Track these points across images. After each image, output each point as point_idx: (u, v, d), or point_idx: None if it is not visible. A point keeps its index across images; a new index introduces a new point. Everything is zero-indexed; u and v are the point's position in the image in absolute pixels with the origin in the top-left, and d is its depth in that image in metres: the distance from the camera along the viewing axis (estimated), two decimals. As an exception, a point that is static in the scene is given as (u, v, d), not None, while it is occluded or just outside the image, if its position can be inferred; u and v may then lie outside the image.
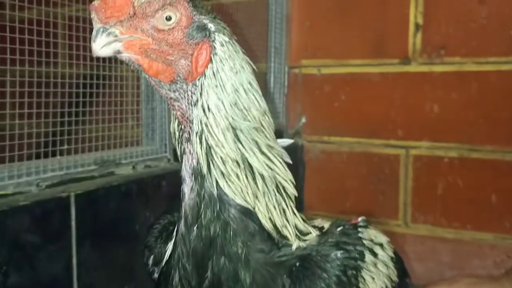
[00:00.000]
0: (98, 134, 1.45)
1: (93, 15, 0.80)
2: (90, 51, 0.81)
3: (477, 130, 2.14)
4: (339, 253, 0.88)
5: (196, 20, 0.84)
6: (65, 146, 1.31)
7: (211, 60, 0.84)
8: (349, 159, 2.42)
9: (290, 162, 0.91)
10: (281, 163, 0.89)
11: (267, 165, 0.87)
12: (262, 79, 2.43)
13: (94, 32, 0.80)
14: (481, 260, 2.16)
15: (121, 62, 0.86)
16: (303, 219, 0.94)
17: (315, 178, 2.48)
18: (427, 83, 2.22)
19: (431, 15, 2.21)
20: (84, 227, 1.27)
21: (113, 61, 1.52)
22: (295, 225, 0.90)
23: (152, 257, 1.04)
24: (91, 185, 1.33)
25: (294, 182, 0.91)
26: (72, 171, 1.32)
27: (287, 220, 0.88)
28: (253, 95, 0.86)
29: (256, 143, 0.86)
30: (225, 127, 0.83)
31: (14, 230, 1.13)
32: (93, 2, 0.80)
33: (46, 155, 1.29)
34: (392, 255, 0.99)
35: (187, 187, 0.87)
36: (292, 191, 0.90)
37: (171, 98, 0.87)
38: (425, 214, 2.25)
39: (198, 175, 0.85)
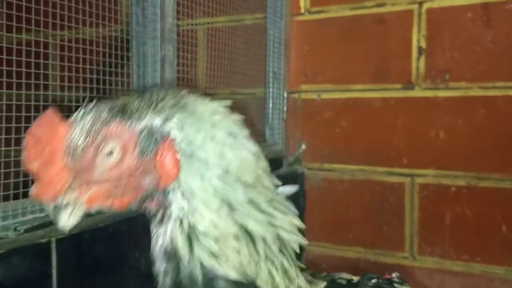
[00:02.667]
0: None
1: (39, 201, 0.74)
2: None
3: (485, 157, 2.05)
4: None
5: (140, 129, 0.74)
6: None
7: (179, 151, 0.74)
8: (352, 188, 2.32)
9: (296, 212, 0.82)
10: (283, 212, 0.80)
11: (268, 223, 0.77)
12: (260, 104, 2.35)
13: (51, 215, 0.73)
14: (493, 294, 2.05)
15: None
16: (311, 275, 0.84)
17: (316, 207, 2.38)
18: (431, 109, 2.14)
19: (434, 39, 2.14)
20: (66, 275, 1.16)
21: (108, 83, 1.43)
22: (298, 285, 0.81)
23: None
24: (75, 228, 1.20)
25: (302, 225, 0.82)
26: (54, 212, 1.21)
27: (289, 280, 0.79)
28: (240, 146, 0.77)
29: (253, 202, 0.76)
30: (218, 207, 0.74)
31: (-14, 283, 1.02)
32: (29, 192, 0.73)
33: (25, 196, 1.19)
34: None
35: (160, 269, 0.77)
36: (296, 239, 0.81)
37: (139, 201, 0.77)
38: (433, 246, 2.15)
39: (173, 257, 0.75)
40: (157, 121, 0.74)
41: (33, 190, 0.72)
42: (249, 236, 0.75)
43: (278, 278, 0.77)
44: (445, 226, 2.12)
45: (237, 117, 0.80)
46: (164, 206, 0.75)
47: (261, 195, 0.77)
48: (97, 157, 0.72)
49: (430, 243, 2.15)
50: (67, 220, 0.72)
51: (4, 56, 1.15)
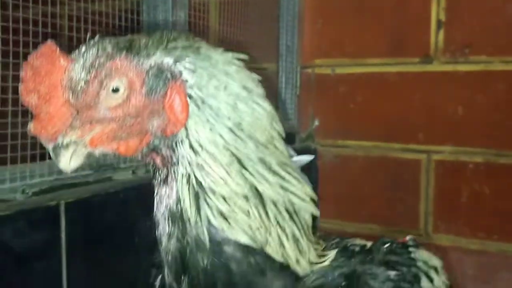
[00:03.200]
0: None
1: (38, 138, 0.68)
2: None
3: (504, 133, 1.99)
4: (392, 274, 0.75)
5: (148, 68, 0.68)
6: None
7: (189, 96, 0.69)
8: (366, 165, 2.27)
9: (310, 184, 0.77)
10: (296, 178, 0.75)
11: (280, 186, 0.72)
12: (273, 79, 2.30)
13: (51, 154, 0.67)
14: (509, 273, 2.00)
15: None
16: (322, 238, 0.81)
17: (329, 185, 2.34)
18: (450, 83, 2.08)
19: (454, 11, 2.06)
20: (75, 239, 1.14)
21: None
22: (309, 260, 0.75)
23: (160, 277, 0.87)
24: (85, 192, 1.19)
25: (314, 195, 0.77)
26: (63, 177, 1.18)
27: (300, 252, 0.74)
28: (254, 102, 0.72)
29: (265, 163, 0.71)
30: (228, 162, 0.69)
31: (-7, 244, 0.99)
32: (28, 127, 0.67)
33: (33, 159, 1.16)
34: (447, 281, 0.85)
35: (164, 232, 0.72)
36: (308, 208, 0.75)
37: (146, 153, 0.72)
38: (448, 223, 2.10)
39: (178, 219, 0.70)
40: (167, 59, 0.68)
41: (31, 126, 0.66)
42: (259, 197, 0.70)
43: (288, 247, 0.72)
44: (461, 203, 2.07)
45: (253, 74, 0.75)
46: (171, 162, 0.70)
47: (274, 156, 0.72)
48: (101, 93, 0.67)
49: (445, 220, 2.11)
50: (69, 162, 0.67)
51: (10, 25, 1.11)
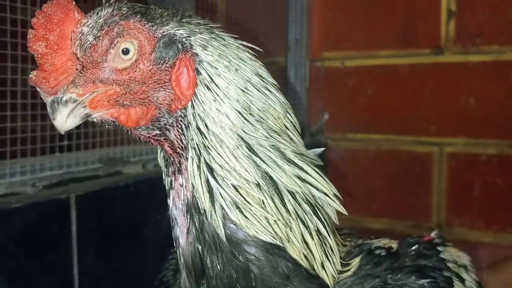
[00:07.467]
0: (104, 128, 1.30)
1: (38, 90, 0.65)
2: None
3: (518, 124, 1.96)
4: (426, 283, 0.70)
5: (160, 35, 0.66)
6: (65, 142, 1.16)
7: (197, 72, 0.66)
8: (376, 158, 2.25)
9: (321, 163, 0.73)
10: (317, 172, 0.70)
11: (298, 177, 0.68)
12: (282, 73, 2.28)
13: (48, 109, 0.64)
14: (523, 266, 1.97)
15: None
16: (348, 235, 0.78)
17: (339, 179, 2.31)
18: (462, 74, 2.05)
19: (465, 1, 2.03)
20: (86, 232, 1.13)
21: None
22: (334, 263, 0.70)
23: None
24: (95, 186, 1.19)
25: (339, 194, 0.72)
26: (73, 170, 1.18)
27: (326, 254, 0.69)
28: (267, 89, 0.68)
29: (279, 150, 0.67)
30: (235, 146, 0.65)
31: (3, 237, 0.99)
32: (30, 76, 0.64)
33: (43, 152, 1.15)
34: (477, 278, 0.82)
35: (181, 229, 0.69)
36: (332, 204, 0.70)
37: (153, 136, 0.69)
38: (461, 216, 2.08)
39: (195, 211, 0.66)
40: (180, 31, 0.67)
41: (33, 75, 0.64)
42: (275, 187, 0.66)
43: (312, 245, 0.66)
44: (474, 196, 2.04)
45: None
46: (181, 147, 0.67)
47: (288, 145, 0.68)
48: (110, 51, 0.65)
49: (458, 213, 2.08)
50: (65, 121, 0.64)
51: (19, 17, 1.11)
